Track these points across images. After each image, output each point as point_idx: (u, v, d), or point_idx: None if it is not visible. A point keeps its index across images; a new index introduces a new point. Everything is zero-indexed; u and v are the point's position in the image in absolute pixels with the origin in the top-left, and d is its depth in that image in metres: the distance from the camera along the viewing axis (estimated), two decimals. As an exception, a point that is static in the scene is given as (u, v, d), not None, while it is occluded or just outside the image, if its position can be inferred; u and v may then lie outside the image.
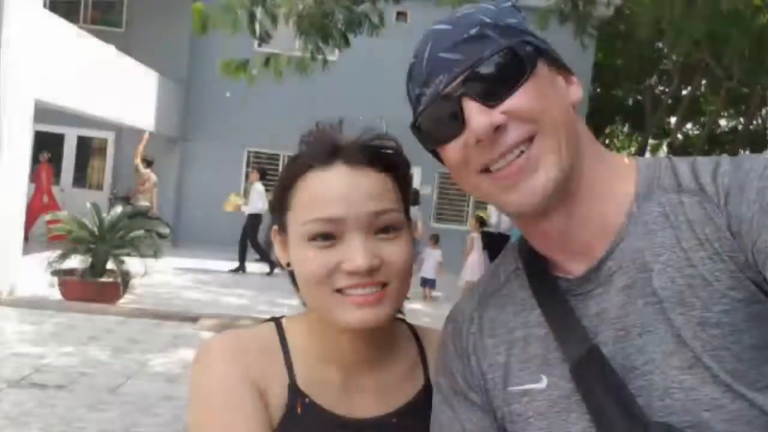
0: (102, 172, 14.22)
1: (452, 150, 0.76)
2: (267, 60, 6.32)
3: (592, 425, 0.73)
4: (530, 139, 0.73)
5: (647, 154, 18.42)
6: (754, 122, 17.43)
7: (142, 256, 7.59)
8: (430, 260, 9.63)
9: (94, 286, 7.23)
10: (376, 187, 0.88)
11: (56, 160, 13.31)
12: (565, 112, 0.76)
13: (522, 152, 0.73)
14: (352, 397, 0.94)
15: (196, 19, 5.62)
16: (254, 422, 0.86)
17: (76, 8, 13.60)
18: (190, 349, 5.86)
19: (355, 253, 0.84)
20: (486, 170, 0.75)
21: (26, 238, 8.64)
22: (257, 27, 5.99)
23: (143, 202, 11.36)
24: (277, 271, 9.75)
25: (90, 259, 7.28)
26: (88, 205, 7.66)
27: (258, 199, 10.46)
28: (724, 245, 0.70)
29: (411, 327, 1.05)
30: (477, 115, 0.72)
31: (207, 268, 10.81)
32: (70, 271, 7.37)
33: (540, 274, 0.83)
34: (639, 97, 19.75)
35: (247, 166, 13.87)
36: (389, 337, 0.99)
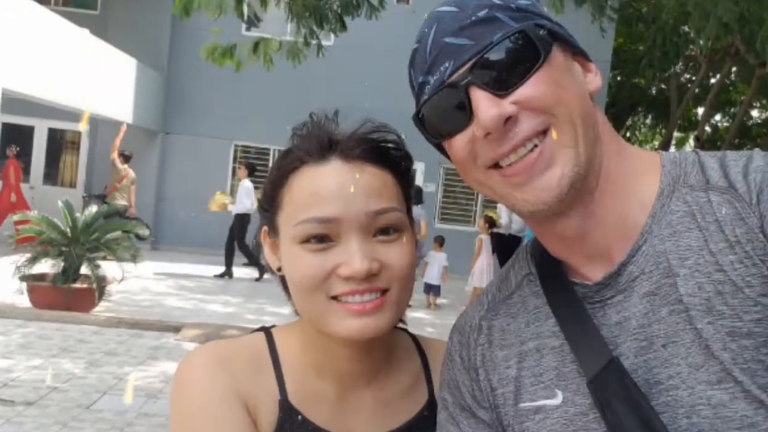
0: (75, 167, 14.22)
1: (459, 143, 0.76)
2: (256, 45, 6.32)
3: (612, 445, 0.73)
4: (544, 132, 0.73)
5: (672, 149, 18.43)
6: (789, 113, 17.43)
7: (119, 259, 7.59)
8: (435, 264, 9.64)
9: (66, 292, 7.23)
10: (375, 184, 0.88)
11: (25, 155, 13.31)
12: (582, 102, 0.76)
13: (535, 146, 0.73)
14: (348, 414, 0.95)
15: (178, 1, 5.62)
16: (242, 442, 0.86)
17: (46, -12, 13.60)
18: (172, 362, 5.85)
19: (352, 256, 0.84)
20: (495, 166, 0.75)
21: (-8, 240, 8.64)
22: (245, 9, 5.99)
23: (120, 201, 11.37)
24: (266, 276, 9.74)
25: (62, 264, 7.28)
26: (60, 203, 7.66)
27: (246, 198, 10.47)
28: (756, 248, 0.70)
29: (413, 338, 1.05)
30: (486, 106, 0.72)
31: (190, 273, 10.81)
32: (40, 277, 7.37)
33: (554, 279, 0.83)
34: (663, 86, 19.74)
35: (234, 161, 13.87)
36: (390, 348, 0.99)
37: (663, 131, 21.60)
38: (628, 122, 22.83)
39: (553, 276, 0.83)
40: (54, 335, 6.54)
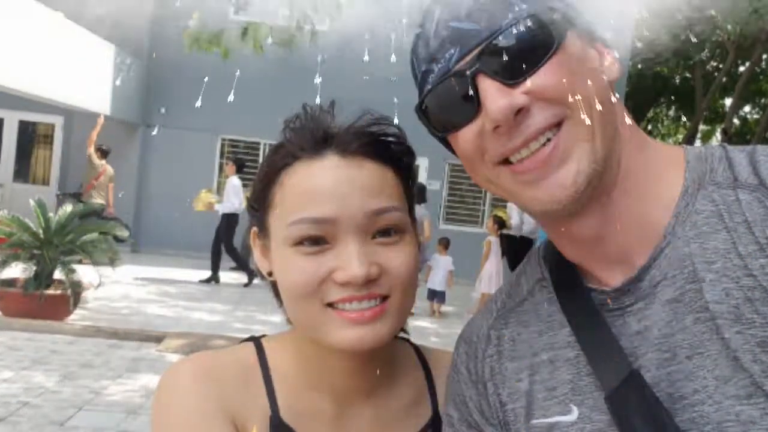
0: (48, 163, 14.22)
1: (465, 137, 0.76)
2: (245, 30, 6.32)
3: (632, 465, 0.73)
4: (558, 125, 0.73)
5: (697, 143, 18.44)
6: (825, 104, 17.46)
7: (96, 263, 7.59)
8: (439, 269, 9.64)
9: (38, 299, 7.23)
10: (375, 182, 0.88)
11: (-6, 150, 13.31)
12: (599, 92, 0.76)
13: (548, 140, 0.73)
14: (346, 431, 0.95)
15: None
16: (229, 462, 0.86)
17: (17, -31, 13.59)
18: (153, 375, 5.86)
19: (349, 260, 0.84)
20: (505, 161, 0.75)
21: (-42, 243, 8.64)
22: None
23: (97, 200, 11.37)
24: (256, 281, 9.75)
25: (34, 268, 7.27)
26: (32, 202, 7.66)
27: (234, 196, 10.47)
28: (789, 250, 0.70)
29: (416, 348, 1.05)
30: (495, 96, 0.72)
31: (173, 278, 10.81)
32: (10, 282, 7.37)
33: (570, 285, 0.83)
34: (687, 75, 19.76)
35: (222, 156, 13.87)
36: (390, 360, 0.99)
37: (687, 124, 21.61)
38: (650, 114, 22.85)
39: (568, 281, 0.83)
40: (25, 346, 6.53)
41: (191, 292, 10.04)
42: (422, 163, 12.78)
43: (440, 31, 0.76)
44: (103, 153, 11.68)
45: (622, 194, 0.78)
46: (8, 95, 9.81)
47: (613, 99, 0.79)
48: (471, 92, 0.74)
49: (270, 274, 0.93)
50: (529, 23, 0.73)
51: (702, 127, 21.70)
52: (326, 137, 0.89)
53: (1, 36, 8.45)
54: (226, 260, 10.73)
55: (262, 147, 13.59)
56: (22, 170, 14.19)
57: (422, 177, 12.91)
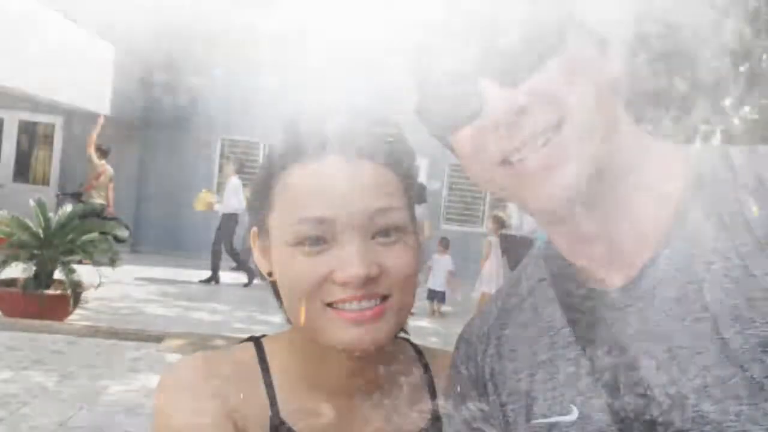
0: (48, 163, 14.22)
1: (465, 137, 0.76)
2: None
3: (632, 465, 0.73)
4: (558, 125, 0.73)
5: (697, 143, 18.42)
6: (826, 104, 17.44)
7: (96, 263, 7.59)
8: (439, 269, 9.64)
9: (38, 299, 7.23)
10: (375, 182, 0.88)
11: (-6, 150, 13.31)
12: (600, 92, 0.76)
13: (548, 140, 0.73)
14: (345, 431, 0.95)
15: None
16: (229, 462, 0.86)
17: (17, -32, 13.59)
18: (153, 375, 5.85)
19: (349, 259, 0.84)
20: (505, 161, 0.75)
21: (-42, 243, 8.64)
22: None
23: (97, 200, 11.37)
24: (256, 281, 9.75)
25: (34, 268, 7.27)
26: (32, 202, 7.66)
27: (234, 196, 10.48)
28: (789, 251, 0.70)
29: (416, 348, 1.05)
30: (496, 96, 0.72)
31: (173, 278, 10.82)
32: (10, 282, 7.37)
33: (569, 285, 0.83)
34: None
35: (221, 156, 13.87)
36: (390, 360, 0.99)
37: (687, 123, 21.60)
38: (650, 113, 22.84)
39: (569, 281, 0.83)
40: (25, 346, 6.53)
41: (191, 292, 10.05)
42: (422, 163, 12.76)
43: (441, 31, 0.76)
44: (103, 153, 11.69)
45: (622, 194, 0.78)
46: (8, 95, 9.81)
47: (614, 99, 0.79)
48: (471, 92, 0.74)
49: (270, 274, 0.94)
50: (531, 23, 0.73)
51: (703, 127, 21.71)
52: (326, 138, 0.89)
53: (1, 36, 8.45)
54: (226, 260, 10.74)
55: (262, 147, 13.59)
56: (22, 170, 14.19)
57: (422, 177, 12.90)
